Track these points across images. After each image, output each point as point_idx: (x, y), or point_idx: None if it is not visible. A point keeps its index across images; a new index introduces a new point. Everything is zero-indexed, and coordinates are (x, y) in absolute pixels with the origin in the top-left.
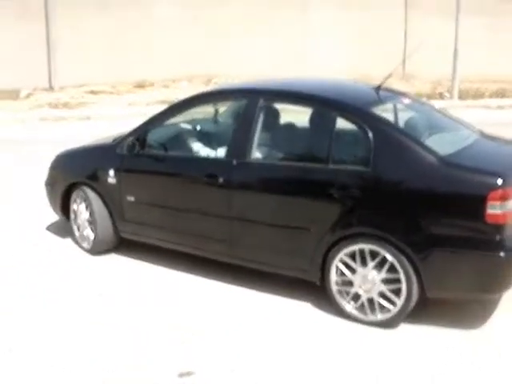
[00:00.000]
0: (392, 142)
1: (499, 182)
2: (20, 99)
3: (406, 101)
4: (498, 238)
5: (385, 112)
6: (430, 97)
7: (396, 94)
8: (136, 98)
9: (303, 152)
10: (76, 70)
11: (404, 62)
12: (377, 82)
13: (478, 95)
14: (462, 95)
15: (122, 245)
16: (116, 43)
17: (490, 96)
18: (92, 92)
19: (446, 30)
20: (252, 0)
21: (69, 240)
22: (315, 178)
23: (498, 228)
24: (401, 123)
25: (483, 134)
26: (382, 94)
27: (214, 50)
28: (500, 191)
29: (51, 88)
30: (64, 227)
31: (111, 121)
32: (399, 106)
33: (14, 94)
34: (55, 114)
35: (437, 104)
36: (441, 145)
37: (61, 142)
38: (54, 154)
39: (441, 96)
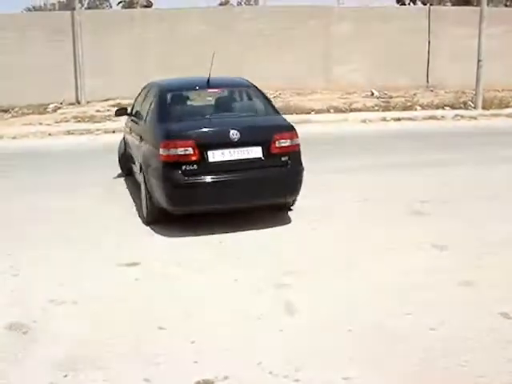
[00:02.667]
0: (154, 110)
1: (167, 135)
2: (47, 113)
3: (211, 90)
4: (165, 171)
5: (190, 95)
6: (453, 106)
7: (215, 86)
8: None
9: (146, 115)
10: (102, 85)
11: (428, 72)
12: (400, 93)
13: (502, 104)
14: (486, 104)
15: None
16: (141, 58)
17: None
18: (118, 106)
19: (469, 40)
20: (276, 14)
21: None
22: (140, 130)
23: (166, 165)
24: (181, 101)
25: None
26: (202, 84)
27: (239, 64)
28: (165, 141)
29: (78, 102)
30: None
31: None
32: (204, 93)
33: (41, 108)
34: (81, 127)
35: (461, 113)
36: (184, 115)
37: (84, 154)
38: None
39: (465, 105)
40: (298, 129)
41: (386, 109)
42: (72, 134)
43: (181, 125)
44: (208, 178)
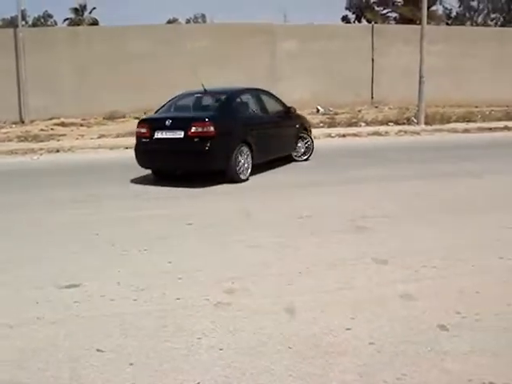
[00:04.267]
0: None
1: (140, 121)
2: None
3: (199, 95)
4: (136, 142)
5: (195, 96)
6: (397, 122)
7: (205, 93)
8: (107, 130)
9: None
10: (46, 103)
11: (372, 88)
12: (345, 109)
13: (444, 120)
14: (429, 120)
15: None
16: (86, 76)
17: (457, 120)
18: (62, 124)
19: (412, 57)
20: (223, 32)
21: None
22: None
23: (137, 138)
24: (176, 102)
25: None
26: (202, 91)
27: (186, 81)
28: (138, 124)
29: (22, 121)
30: None
31: (80, 152)
32: (198, 95)
33: None
34: (24, 146)
35: (405, 128)
36: (165, 110)
37: (28, 175)
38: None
39: (408, 121)
40: None
41: (332, 125)
42: (15, 153)
43: (151, 115)
44: (152, 147)
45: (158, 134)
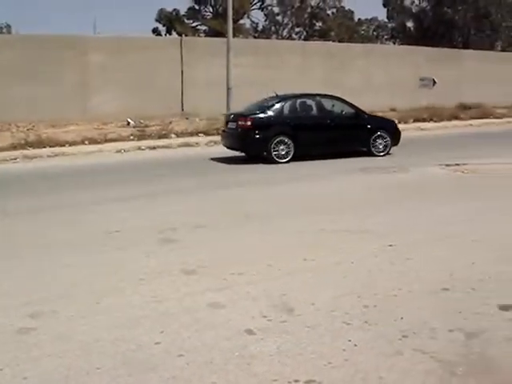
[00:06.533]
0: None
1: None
2: None
3: (270, 97)
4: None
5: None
6: (207, 133)
7: (277, 97)
8: None
9: None
10: None
11: (182, 100)
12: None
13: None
14: None
15: None
16: None
17: None
18: None
19: (221, 69)
20: (29, 44)
21: None
22: None
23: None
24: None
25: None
26: (271, 96)
27: None
28: (225, 117)
29: None
30: None
31: None
32: (269, 99)
33: None
34: None
35: (214, 139)
36: (247, 109)
37: None
38: None
39: (217, 132)
40: (49, 162)
41: (142, 138)
42: None
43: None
44: (225, 133)
45: (229, 125)
